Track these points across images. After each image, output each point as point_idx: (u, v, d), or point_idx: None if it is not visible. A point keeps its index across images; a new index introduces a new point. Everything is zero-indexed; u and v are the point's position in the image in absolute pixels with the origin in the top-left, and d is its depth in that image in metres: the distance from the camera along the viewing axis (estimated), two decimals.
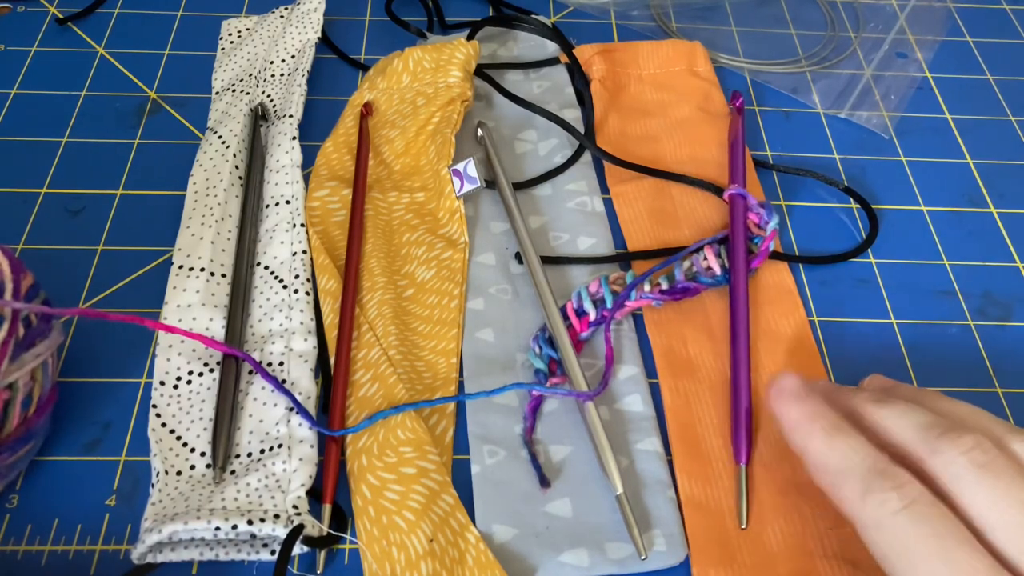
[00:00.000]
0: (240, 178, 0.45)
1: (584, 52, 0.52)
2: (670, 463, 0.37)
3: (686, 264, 0.42)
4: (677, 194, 0.46)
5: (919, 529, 0.28)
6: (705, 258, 0.42)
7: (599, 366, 0.39)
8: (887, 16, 0.59)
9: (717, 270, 0.41)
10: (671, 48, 0.53)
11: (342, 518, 0.34)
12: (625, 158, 0.47)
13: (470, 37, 0.53)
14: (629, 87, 0.52)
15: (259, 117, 0.47)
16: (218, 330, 0.39)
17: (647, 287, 0.40)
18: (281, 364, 0.38)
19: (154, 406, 0.37)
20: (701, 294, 0.42)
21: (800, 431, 0.33)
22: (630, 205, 0.46)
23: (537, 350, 0.39)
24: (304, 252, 0.42)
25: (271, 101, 0.49)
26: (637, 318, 0.41)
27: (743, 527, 0.35)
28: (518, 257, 0.43)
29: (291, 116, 0.47)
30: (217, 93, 0.50)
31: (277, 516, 0.33)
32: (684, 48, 0.53)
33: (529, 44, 0.54)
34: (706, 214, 0.45)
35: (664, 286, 0.40)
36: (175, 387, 0.37)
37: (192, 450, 0.36)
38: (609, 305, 0.40)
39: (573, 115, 0.49)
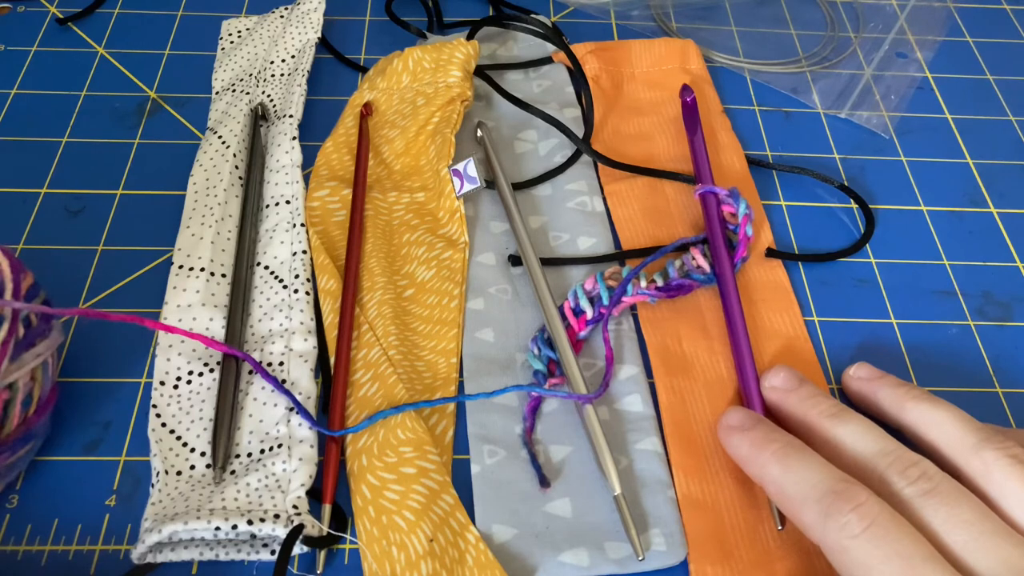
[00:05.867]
0: (240, 178, 0.45)
1: (577, 51, 0.52)
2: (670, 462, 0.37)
3: (678, 263, 0.42)
4: (671, 192, 0.46)
5: (882, 550, 0.28)
6: (694, 257, 0.42)
7: (599, 366, 0.39)
8: (887, 16, 0.59)
9: (707, 268, 0.41)
10: (664, 46, 0.53)
11: (342, 518, 0.34)
12: (619, 157, 0.47)
13: (470, 37, 0.53)
14: (622, 85, 0.52)
15: (259, 117, 0.47)
16: (218, 330, 0.39)
17: (643, 283, 0.40)
18: (281, 364, 0.38)
19: (154, 406, 0.37)
20: (695, 292, 0.42)
21: (754, 463, 0.33)
22: (624, 204, 0.46)
23: (536, 351, 0.39)
24: (304, 252, 0.42)
25: (271, 101, 0.49)
26: (634, 317, 0.41)
27: (780, 528, 0.34)
28: (511, 260, 0.43)
29: (291, 116, 0.47)
30: (217, 93, 0.50)
31: (277, 516, 0.33)
32: (676, 46, 0.53)
33: (528, 44, 0.54)
34: (700, 211, 0.45)
35: (659, 283, 0.41)
36: (175, 387, 0.37)
37: (192, 450, 0.36)
38: (606, 302, 0.40)
39: (573, 114, 0.49)
